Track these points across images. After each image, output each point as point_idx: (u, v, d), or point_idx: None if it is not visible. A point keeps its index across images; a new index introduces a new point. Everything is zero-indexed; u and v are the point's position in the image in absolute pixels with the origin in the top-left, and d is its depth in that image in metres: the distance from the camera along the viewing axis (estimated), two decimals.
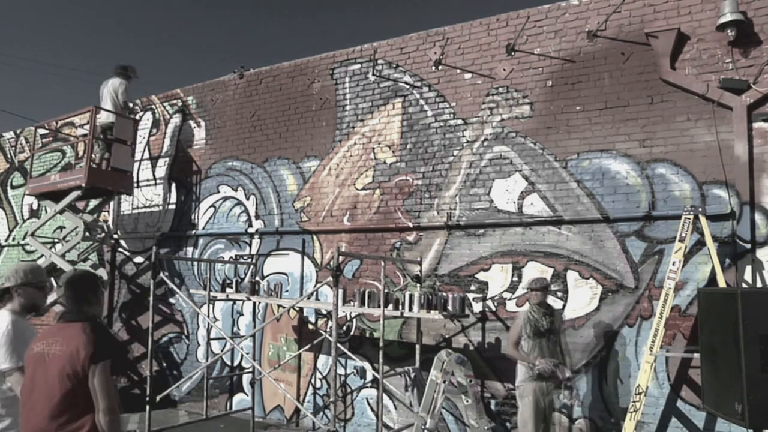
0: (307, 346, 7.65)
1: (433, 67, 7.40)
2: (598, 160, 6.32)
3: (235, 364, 8.57)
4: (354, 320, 7.52)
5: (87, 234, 9.05)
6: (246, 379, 8.27)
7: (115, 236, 10.14)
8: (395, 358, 7.10)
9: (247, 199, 8.86)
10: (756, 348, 4.17)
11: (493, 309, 6.68)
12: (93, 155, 8.91)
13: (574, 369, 6.16)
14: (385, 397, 6.88)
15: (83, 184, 8.61)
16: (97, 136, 8.94)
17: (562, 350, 5.89)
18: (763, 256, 5.50)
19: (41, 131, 11.94)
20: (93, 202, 10.42)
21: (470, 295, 6.79)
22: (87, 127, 9.23)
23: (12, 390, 3.23)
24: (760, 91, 5.59)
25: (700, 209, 5.48)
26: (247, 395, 8.18)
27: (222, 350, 8.41)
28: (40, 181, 9.62)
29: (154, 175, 9.88)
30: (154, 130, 10.08)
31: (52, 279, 9.57)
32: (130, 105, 9.54)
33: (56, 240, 10.99)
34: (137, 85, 9.99)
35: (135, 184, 9.81)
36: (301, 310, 7.95)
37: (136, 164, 10.02)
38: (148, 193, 9.98)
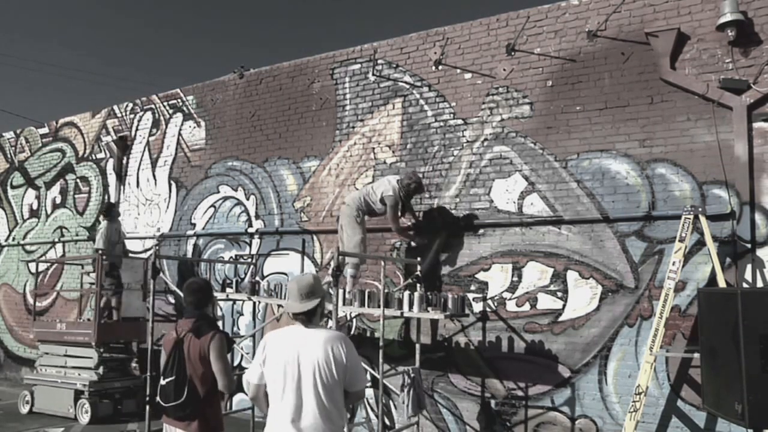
0: None
1: (433, 67, 7.40)
2: (598, 160, 6.32)
3: (235, 364, 8.56)
4: (354, 320, 7.51)
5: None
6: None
7: None
8: (395, 358, 7.10)
9: (247, 199, 8.86)
10: (756, 348, 4.17)
11: (493, 309, 6.68)
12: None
13: (574, 369, 6.18)
14: (385, 397, 6.87)
15: (93, 342, 8.14)
16: (104, 282, 8.49)
17: None
18: (763, 255, 5.49)
19: (41, 131, 11.96)
20: (94, 201, 10.41)
21: (470, 295, 6.79)
22: (93, 275, 8.64)
23: None
24: (760, 91, 5.59)
25: (700, 209, 5.48)
26: (247, 395, 8.17)
27: None
28: (47, 327, 9.00)
29: (154, 175, 9.88)
30: (154, 130, 10.08)
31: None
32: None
33: (56, 240, 11.00)
34: (138, 85, 9.98)
35: (137, 186, 9.77)
36: None
37: (136, 164, 10.03)
38: (148, 193, 9.97)
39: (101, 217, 9.34)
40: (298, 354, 2.99)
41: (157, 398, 3.74)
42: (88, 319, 9.11)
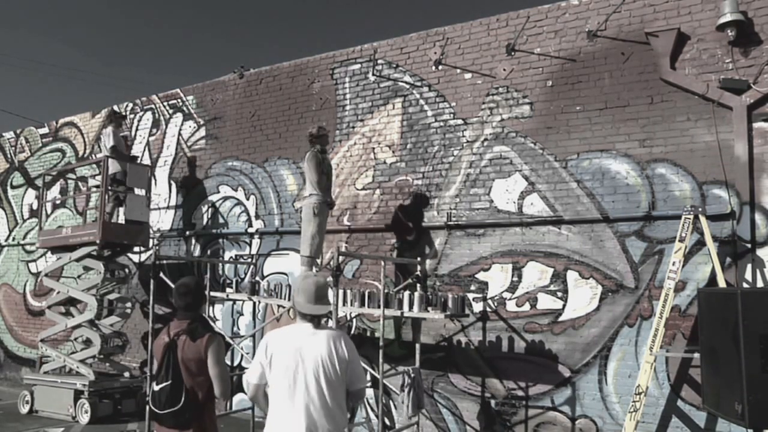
0: None
1: (433, 67, 7.40)
2: (598, 160, 6.32)
3: (235, 364, 8.56)
4: (354, 320, 7.52)
5: (107, 276, 8.75)
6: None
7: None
8: (395, 358, 7.11)
9: (247, 199, 8.86)
10: (756, 348, 4.16)
11: (493, 309, 6.68)
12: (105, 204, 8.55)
13: (574, 369, 6.18)
14: (385, 396, 6.88)
15: (98, 241, 8.19)
16: (112, 188, 8.65)
17: None
18: (764, 255, 5.49)
19: (41, 131, 11.96)
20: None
21: (470, 295, 6.79)
22: (99, 178, 8.76)
23: None
24: (760, 91, 5.59)
25: (700, 209, 5.48)
26: (246, 395, 8.17)
27: None
28: (52, 234, 9.20)
29: (154, 175, 9.88)
30: (154, 130, 10.08)
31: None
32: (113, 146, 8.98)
33: None
34: (138, 85, 9.97)
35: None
36: None
37: None
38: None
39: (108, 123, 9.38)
40: (302, 352, 2.99)
41: (149, 404, 3.50)
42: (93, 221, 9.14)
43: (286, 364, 2.99)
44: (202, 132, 9.50)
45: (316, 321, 3.11)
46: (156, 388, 3.44)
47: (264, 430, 3.07)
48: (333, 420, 2.97)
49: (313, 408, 2.94)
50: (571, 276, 6.32)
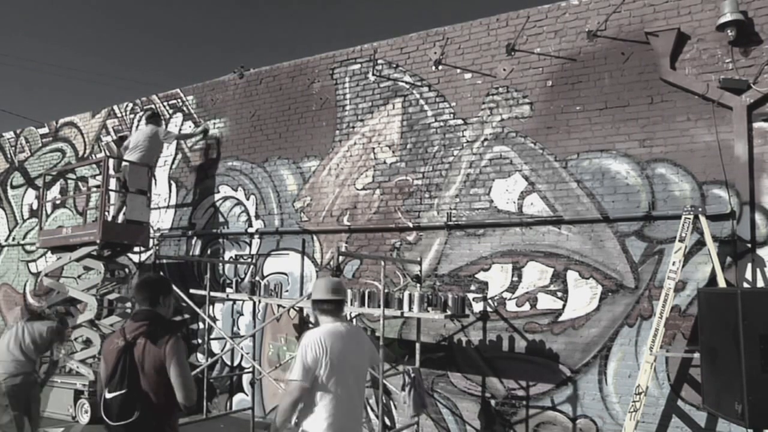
0: None
1: (433, 67, 7.40)
2: (598, 160, 6.32)
3: (235, 364, 8.57)
4: (354, 320, 7.52)
5: (107, 276, 8.77)
6: (246, 379, 8.27)
7: None
8: (395, 358, 7.10)
9: (247, 199, 8.86)
10: (756, 348, 4.17)
11: (493, 308, 6.68)
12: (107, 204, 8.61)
13: (574, 369, 6.18)
14: (385, 396, 6.88)
15: (98, 240, 8.20)
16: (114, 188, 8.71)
17: None
18: (764, 255, 5.49)
19: (41, 131, 11.96)
20: None
21: (470, 295, 6.79)
22: (99, 177, 8.75)
23: None
24: (760, 91, 5.59)
25: (700, 209, 5.48)
26: (247, 395, 8.18)
27: (222, 350, 8.40)
28: (52, 234, 9.17)
29: (154, 175, 9.87)
30: None
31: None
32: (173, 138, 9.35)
33: None
34: (138, 85, 9.97)
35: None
36: (301, 309, 7.95)
37: None
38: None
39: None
40: (348, 350, 3.28)
41: (102, 415, 3.14)
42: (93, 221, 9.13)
43: (337, 362, 3.23)
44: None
45: (338, 310, 3.43)
46: (108, 396, 3.11)
47: (312, 422, 3.21)
48: (362, 411, 3.41)
49: (358, 403, 3.35)
50: (571, 276, 6.32)
